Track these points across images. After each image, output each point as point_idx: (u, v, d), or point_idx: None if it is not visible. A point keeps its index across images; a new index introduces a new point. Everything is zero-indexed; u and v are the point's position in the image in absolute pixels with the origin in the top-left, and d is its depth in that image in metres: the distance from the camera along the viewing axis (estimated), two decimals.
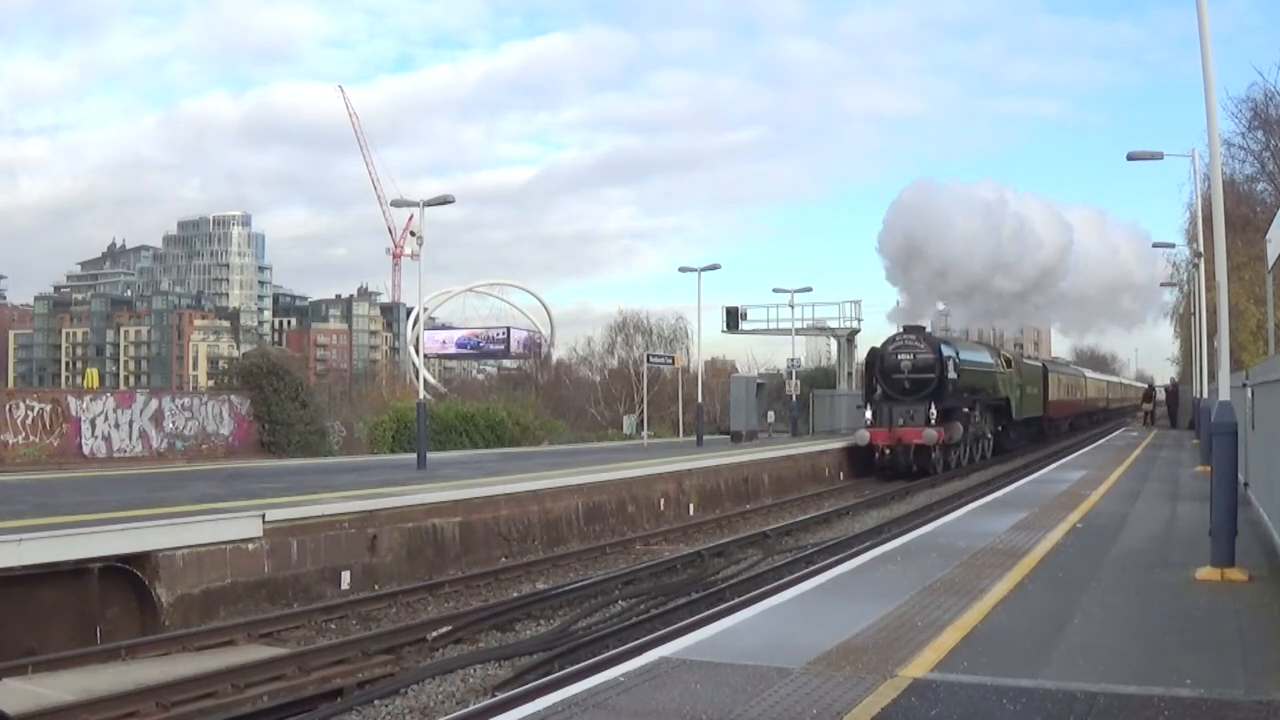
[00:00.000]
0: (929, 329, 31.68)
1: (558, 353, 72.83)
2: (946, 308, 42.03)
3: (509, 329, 79.96)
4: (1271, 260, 15.26)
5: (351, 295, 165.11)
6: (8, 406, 24.47)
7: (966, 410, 29.50)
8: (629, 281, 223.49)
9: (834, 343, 46.28)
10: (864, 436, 27.92)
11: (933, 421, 27.46)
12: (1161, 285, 41.24)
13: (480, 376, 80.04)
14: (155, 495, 14.09)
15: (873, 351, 30.27)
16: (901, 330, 30.05)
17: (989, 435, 33.36)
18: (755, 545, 15.80)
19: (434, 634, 9.74)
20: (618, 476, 18.80)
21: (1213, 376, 17.66)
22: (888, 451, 27.60)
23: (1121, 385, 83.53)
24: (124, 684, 7.95)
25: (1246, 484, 13.48)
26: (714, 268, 33.42)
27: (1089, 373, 64.47)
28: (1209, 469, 9.97)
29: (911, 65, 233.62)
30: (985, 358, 33.99)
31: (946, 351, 29.16)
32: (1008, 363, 35.85)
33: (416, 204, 22.89)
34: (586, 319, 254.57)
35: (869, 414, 28.53)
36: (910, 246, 32.22)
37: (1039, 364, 44.31)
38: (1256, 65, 49.78)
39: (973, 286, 34.59)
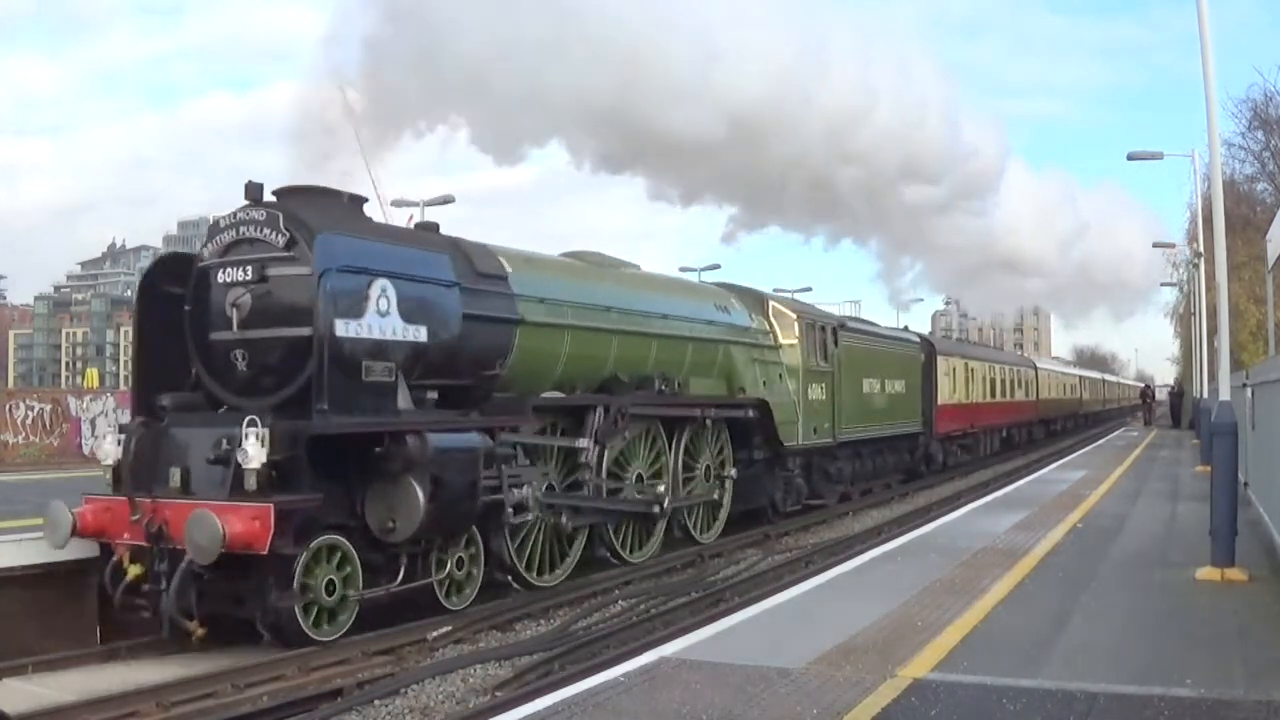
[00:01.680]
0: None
1: None
2: (953, 300, 39.76)
3: None
4: (1271, 260, 15.27)
5: None
6: (8, 406, 24.52)
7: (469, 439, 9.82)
8: None
9: None
10: (62, 526, 8.98)
11: (247, 478, 8.15)
12: (1162, 285, 41.28)
13: None
14: None
15: (162, 269, 10.10)
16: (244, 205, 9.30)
17: (702, 487, 14.57)
18: (755, 545, 15.78)
19: (434, 634, 9.72)
20: None
21: (1213, 376, 17.67)
22: (125, 567, 8.75)
23: (1108, 385, 65.43)
24: (124, 684, 7.94)
25: (1246, 484, 13.48)
26: (714, 268, 33.49)
27: (1046, 364, 44.98)
28: (1209, 469, 9.98)
29: None
30: (646, 300, 13.51)
31: (335, 248, 8.72)
32: (791, 326, 16.95)
33: (416, 204, 22.95)
34: None
35: (109, 444, 9.62)
36: None
37: (915, 340, 25.32)
38: (1257, 65, 49.79)
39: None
